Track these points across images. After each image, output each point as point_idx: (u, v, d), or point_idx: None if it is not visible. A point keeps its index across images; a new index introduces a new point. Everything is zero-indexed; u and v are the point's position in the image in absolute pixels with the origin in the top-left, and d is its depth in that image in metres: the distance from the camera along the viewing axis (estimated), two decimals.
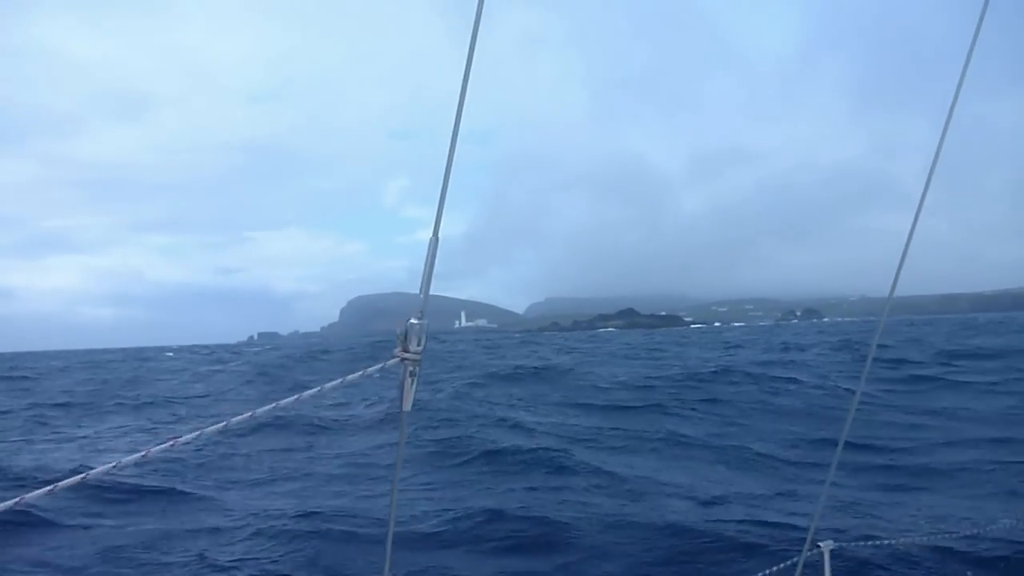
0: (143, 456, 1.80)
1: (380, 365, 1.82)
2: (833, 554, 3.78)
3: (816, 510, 3.22)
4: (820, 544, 3.72)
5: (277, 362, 48.37)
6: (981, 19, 2.57)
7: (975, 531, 6.40)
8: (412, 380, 1.79)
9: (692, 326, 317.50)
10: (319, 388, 1.83)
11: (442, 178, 1.82)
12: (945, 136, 2.70)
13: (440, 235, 1.82)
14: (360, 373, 1.85)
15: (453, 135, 1.81)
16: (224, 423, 1.79)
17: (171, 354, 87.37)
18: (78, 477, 1.72)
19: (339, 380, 1.84)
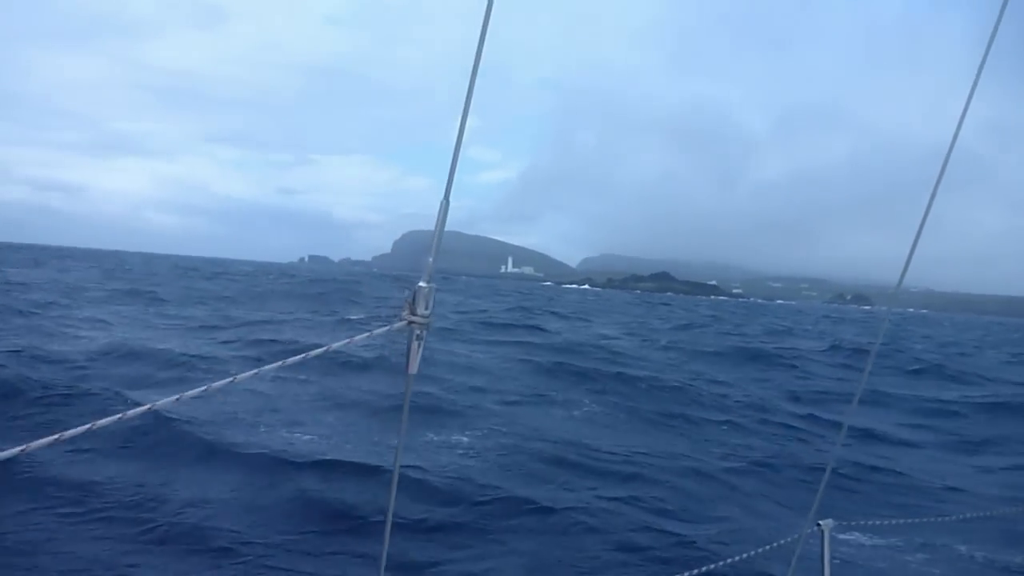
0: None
1: (387, 327, 1.81)
2: (834, 532, 3.88)
3: (820, 488, 3.27)
4: (820, 523, 3.80)
5: None
6: None
7: (975, 514, 6.60)
8: (419, 344, 1.79)
9: (718, 298, 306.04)
10: (325, 348, 1.86)
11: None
12: None
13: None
14: (367, 335, 1.86)
15: (466, 98, 1.76)
16: (232, 378, 1.79)
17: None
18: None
19: (346, 340, 1.86)
